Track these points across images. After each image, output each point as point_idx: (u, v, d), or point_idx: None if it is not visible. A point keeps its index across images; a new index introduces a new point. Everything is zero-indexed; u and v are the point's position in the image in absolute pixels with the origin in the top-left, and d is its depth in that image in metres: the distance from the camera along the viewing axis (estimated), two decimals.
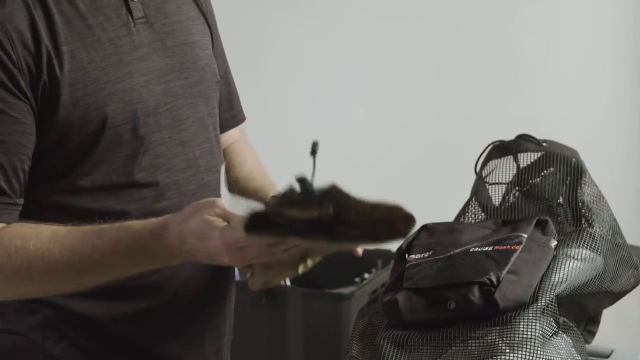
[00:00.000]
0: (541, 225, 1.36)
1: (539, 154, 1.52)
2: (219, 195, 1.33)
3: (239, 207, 1.14)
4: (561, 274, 1.27)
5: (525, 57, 2.90)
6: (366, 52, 2.99)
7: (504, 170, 1.54)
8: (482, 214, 1.52)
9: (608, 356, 1.49)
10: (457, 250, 1.31)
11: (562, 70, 2.89)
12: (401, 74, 2.97)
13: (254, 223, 1.07)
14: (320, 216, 1.04)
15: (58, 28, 1.24)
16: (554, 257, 1.31)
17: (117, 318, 1.33)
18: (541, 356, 1.17)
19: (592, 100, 2.88)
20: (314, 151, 1.12)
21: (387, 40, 2.96)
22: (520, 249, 1.28)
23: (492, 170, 1.55)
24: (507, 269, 1.25)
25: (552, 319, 1.22)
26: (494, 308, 1.21)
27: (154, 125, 1.31)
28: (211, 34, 1.48)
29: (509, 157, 1.54)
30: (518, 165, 1.53)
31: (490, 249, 1.29)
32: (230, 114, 1.57)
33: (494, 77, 2.92)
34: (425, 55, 2.96)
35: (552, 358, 1.17)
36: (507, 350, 1.17)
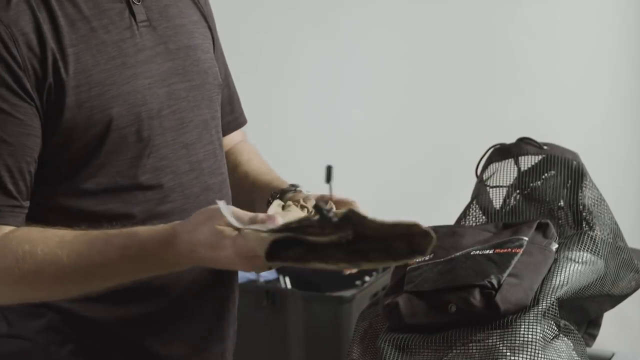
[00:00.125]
0: (542, 229, 1.37)
1: (540, 157, 1.52)
2: (222, 198, 1.33)
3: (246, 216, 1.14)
4: (562, 277, 1.28)
5: (526, 59, 2.89)
6: (366, 54, 2.98)
7: (505, 173, 1.54)
8: (483, 217, 1.52)
9: (609, 359, 1.49)
10: (458, 254, 1.32)
11: (563, 72, 2.89)
12: (401, 77, 2.97)
13: (275, 250, 1.07)
14: (339, 239, 1.05)
15: (63, 31, 1.24)
16: (555, 260, 1.31)
17: (122, 321, 1.33)
18: (542, 359, 1.17)
19: (593, 102, 2.87)
20: (328, 178, 1.11)
21: (387, 42, 2.96)
22: (521, 252, 1.29)
23: (493, 174, 1.55)
24: (508, 272, 1.25)
25: (553, 322, 1.22)
26: (495, 311, 1.21)
27: (158, 128, 1.31)
28: (212, 37, 1.48)
29: (509, 160, 1.54)
30: (519, 169, 1.53)
31: (491, 252, 1.30)
32: (232, 116, 1.58)
33: (494, 80, 2.92)
34: (425, 58, 2.96)
35: None
36: (508, 354, 1.17)
